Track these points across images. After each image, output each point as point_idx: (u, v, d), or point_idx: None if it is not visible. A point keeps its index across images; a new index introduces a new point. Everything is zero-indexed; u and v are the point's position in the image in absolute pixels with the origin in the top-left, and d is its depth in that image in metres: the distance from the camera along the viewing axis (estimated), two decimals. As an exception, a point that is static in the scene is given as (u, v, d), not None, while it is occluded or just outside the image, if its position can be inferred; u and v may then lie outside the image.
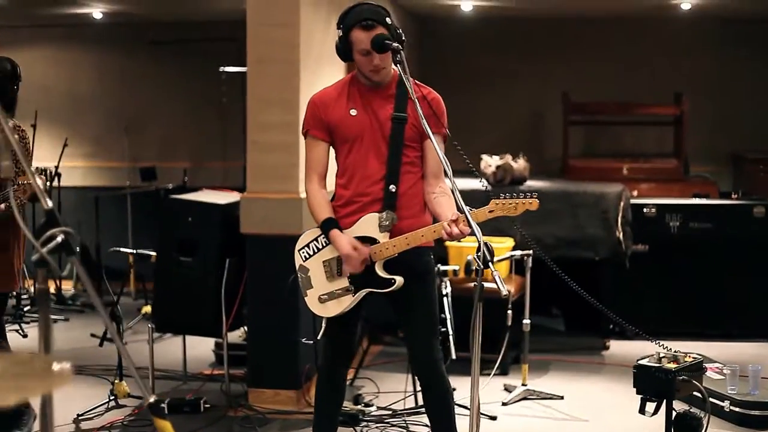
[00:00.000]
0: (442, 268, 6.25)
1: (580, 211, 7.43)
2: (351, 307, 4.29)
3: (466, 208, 3.81)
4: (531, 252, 6.18)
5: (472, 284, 6.53)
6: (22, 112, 9.66)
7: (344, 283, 4.28)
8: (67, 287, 9.66)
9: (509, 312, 6.30)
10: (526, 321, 6.22)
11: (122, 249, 6.09)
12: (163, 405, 2.52)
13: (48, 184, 9.28)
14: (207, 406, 5.91)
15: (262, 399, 5.95)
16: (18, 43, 10.59)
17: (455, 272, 6.35)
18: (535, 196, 3.98)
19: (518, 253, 6.25)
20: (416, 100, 4.05)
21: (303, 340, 4.61)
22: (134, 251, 6.02)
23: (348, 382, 6.26)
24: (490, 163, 7.66)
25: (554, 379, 6.67)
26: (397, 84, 4.27)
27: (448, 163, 3.97)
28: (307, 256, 4.37)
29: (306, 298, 4.38)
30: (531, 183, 7.68)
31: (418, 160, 4.31)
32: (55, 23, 10.33)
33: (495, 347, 6.46)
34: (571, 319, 8.36)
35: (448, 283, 6.20)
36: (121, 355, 2.59)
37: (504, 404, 6.06)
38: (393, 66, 4.23)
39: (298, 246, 4.41)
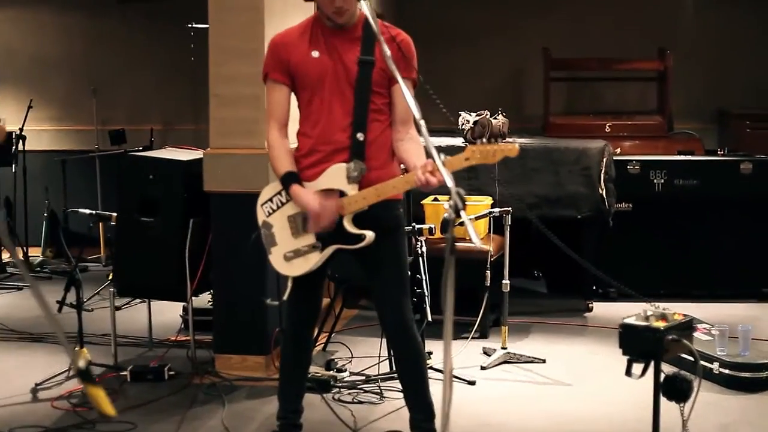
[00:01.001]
0: (418, 226, 5.98)
1: (560, 168, 7.17)
2: (318, 265, 4.02)
3: (440, 156, 3.53)
4: (509, 209, 5.91)
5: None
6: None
7: (311, 239, 4.01)
8: (35, 254, 9.36)
9: (488, 272, 6.06)
10: (506, 281, 5.96)
11: (80, 210, 5.79)
12: (92, 371, 2.25)
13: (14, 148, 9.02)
14: (171, 373, 5.64)
15: (228, 365, 5.69)
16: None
17: (431, 231, 6.07)
18: (515, 142, 3.70)
19: (496, 210, 5.98)
20: (382, 39, 3.77)
21: (267, 301, 4.35)
22: (92, 212, 5.71)
23: (320, 347, 6.02)
24: (468, 119, 7.36)
25: (535, 342, 6.42)
26: (363, 25, 3.98)
27: (418, 108, 3.70)
28: (271, 211, 4.10)
29: (270, 257, 4.11)
30: (510, 140, 7.40)
31: (385, 107, 4.03)
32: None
33: (473, 309, 6.21)
34: (553, 280, 8.13)
35: (424, 242, 5.93)
36: (47, 318, 2.31)
37: (483, 368, 5.81)
38: (359, 6, 3.94)
39: (260, 200, 4.14)
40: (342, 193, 3.92)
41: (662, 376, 4.08)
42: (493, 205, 6.47)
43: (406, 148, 3.99)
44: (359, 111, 3.95)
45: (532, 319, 6.98)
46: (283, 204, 4.05)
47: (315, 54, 3.97)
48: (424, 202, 6.68)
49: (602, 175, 7.07)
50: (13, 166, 9.07)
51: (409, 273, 6.07)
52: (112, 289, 5.87)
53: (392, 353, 4.30)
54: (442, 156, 3.58)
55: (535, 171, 7.15)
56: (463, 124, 7.34)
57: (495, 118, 7.37)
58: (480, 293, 6.17)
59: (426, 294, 5.67)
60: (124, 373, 5.61)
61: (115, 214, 5.78)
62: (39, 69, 10.09)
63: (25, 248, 9.08)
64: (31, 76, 10.05)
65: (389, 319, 4.13)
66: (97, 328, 6.55)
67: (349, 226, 3.93)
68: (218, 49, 5.56)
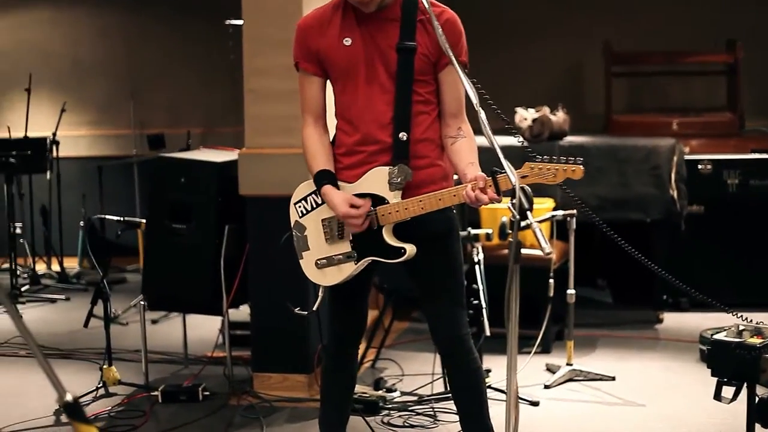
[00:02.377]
0: (473, 231, 5.48)
1: (627, 168, 6.64)
2: (352, 276, 3.53)
3: (497, 169, 3.08)
4: (575, 212, 5.38)
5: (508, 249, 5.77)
6: (19, 77, 9.07)
7: (346, 247, 3.52)
8: (72, 264, 8.99)
9: (551, 281, 5.54)
10: (571, 291, 5.45)
11: (107, 216, 5.36)
12: (82, 407, 1.79)
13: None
14: (206, 393, 5.21)
15: (268, 385, 5.22)
16: (17, 4, 9.92)
17: (488, 236, 5.56)
18: (579, 162, 3.17)
19: (560, 213, 5.46)
20: (434, 17, 3.30)
21: (296, 310, 3.87)
22: (121, 218, 5.27)
23: (368, 364, 5.55)
24: (525, 116, 6.86)
25: (603, 358, 5.88)
26: (402, 4, 3.49)
27: (476, 92, 3.20)
28: (304, 212, 3.62)
29: (301, 261, 3.64)
30: (571, 138, 6.89)
31: (432, 96, 3.53)
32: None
33: (535, 322, 5.70)
34: (619, 290, 7.58)
35: (481, 249, 5.43)
36: (20, 331, 1.84)
37: (546, 387, 5.30)
38: None
39: (293, 199, 3.66)
40: (382, 200, 3.43)
41: (757, 400, 3.56)
42: (555, 208, 5.95)
43: (457, 149, 3.49)
44: (401, 105, 3.45)
45: (599, 332, 6.45)
46: (317, 205, 3.57)
47: (347, 41, 3.48)
48: (480, 205, 6.16)
49: (673, 175, 6.54)
50: (48, 173, 8.69)
51: (465, 282, 5.61)
52: (142, 302, 5.43)
53: (446, 372, 3.75)
54: (508, 166, 3.09)
55: (599, 171, 6.63)
56: (519, 121, 6.85)
57: (554, 114, 6.87)
58: (542, 304, 5.65)
59: (483, 306, 5.17)
60: (155, 393, 5.19)
61: (144, 221, 5.34)
62: (75, 71, 9.76)
63: (60, 258, 8.73)
64: (67, 78, 9.72)
65: (442, 334, 3.62)
66: (132, 344, 6.17)
67: (388, 238, 3.44)
68: (253, 40, 5.11)
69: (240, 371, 5.49)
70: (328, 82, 3.61)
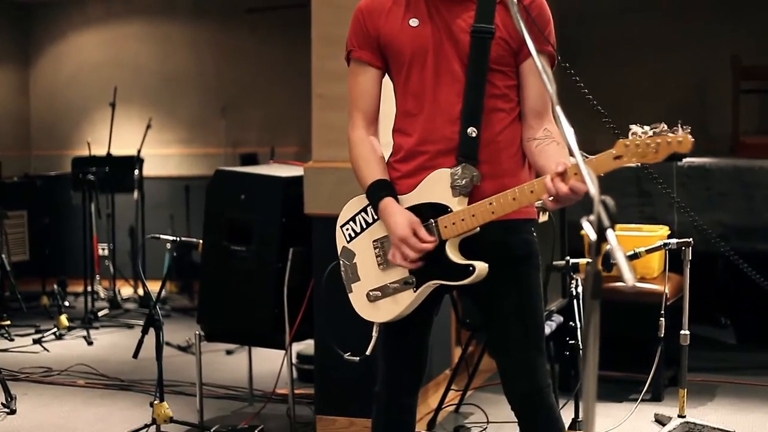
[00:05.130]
0: (573, 260, 4.79)
1: (755, 192, 5.91)
2: (413, 308, 2.90)
3: (579, 154, 2.40)
4: (690, 241, 4.64)
5: (615, 283, 5.09)
6: (108, 92, 8.72)
7: (402, 272, 2.88)
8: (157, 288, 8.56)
9: (662, 320, 4.81)
10: (685, 332, 4.70)
11: (161, 236, 4.84)
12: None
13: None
14: (264, 436, 4.65)
15: (333, 429, 4.64)
16: (111, 19, 9.65)
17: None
18: (687, 131, 2.52)
19: (674, 241, 4.72)
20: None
21: (345, 355, 3.29)
22: (175, 238, 4.74)
23: (451, 409, 4.92)
24: (639, 134, 6.15)
25: (722, 408, 5.13)
26: None
27: (555, 91, 2.56)
28: (353, 235, 3.01)
29: (350, 295, 3.02)
30: (692, 159, 6.14)
31: (512, 92, 2.89)
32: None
33: (645, 364, 5.00)
34: (744, 329, 6.79)
35: (581, 281, 4.74)
36: None
37: (655, 441, 4.59)
38: None
39: (340, 221, 3.05)
40: (444, 209, 2.79)
41: None
42: (670, 236, 5.22)
43: (543, 150, 2.83)
44: (472, 96, 2.82)
45: (718, 378, 5.68)
46: (368, 225, 2.96)
47: (413, 22, 2.88)
48: (584, 232, 5.46)
49: (807, 201, 5.78)
50: (135, 192, 8.29)
51: (561, 320, 4.94)
52: (198, 332, 4.89)
53: (519, 428, 3.06)
54: (583, 155, 2.46)
55: (722, 196, 5.93)
56: (634, 140, 6.15)
57: (674, 132, 6.14)
58: (653, 345, 4.93)
59: (581, 346, 4.49)
60: (208, 433, 4.66)
61: (201, 242, 4.79)
62: (166, 87, 9.44)
63: (143, 282, 8.33)
64: (158, 94, 9.39)
65: (516, 386, 2.93)
66: (205, 377, 5.62)
67: (453, 255, 2.79)
68: (322, 40, 4.59)
69: (305, 411, 4.92)
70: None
